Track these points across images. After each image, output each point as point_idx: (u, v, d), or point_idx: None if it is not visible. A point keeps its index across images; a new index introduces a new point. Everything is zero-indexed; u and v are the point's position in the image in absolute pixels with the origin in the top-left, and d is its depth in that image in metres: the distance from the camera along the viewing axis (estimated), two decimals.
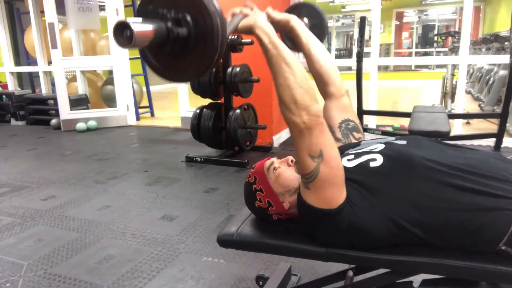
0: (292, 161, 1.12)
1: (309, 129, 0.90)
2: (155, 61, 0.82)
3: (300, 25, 1.21)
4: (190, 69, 0.80)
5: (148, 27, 0.73)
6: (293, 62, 0.93)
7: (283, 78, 0.92)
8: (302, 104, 0.90)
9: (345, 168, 0.99)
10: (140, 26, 0.71)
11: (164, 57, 0.80)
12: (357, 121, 1.28)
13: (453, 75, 5.09)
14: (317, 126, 0.90)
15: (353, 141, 1.23)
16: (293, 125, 0.91)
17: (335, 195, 0.93)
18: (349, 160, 1.06)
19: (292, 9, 1.41)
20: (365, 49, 3.11)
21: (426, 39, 13.62)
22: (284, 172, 1.09)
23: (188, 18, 0.76)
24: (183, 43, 0.76)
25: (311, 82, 0.95)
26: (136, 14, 0.80)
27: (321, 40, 1.31)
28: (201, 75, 0.80)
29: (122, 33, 0.69)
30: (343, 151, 1.13)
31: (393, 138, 1.12)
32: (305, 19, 1.36)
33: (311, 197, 0.95)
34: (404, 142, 1.07)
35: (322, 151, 0.90)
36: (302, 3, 1.47)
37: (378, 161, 1.00)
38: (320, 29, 1.36)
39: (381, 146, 1.06)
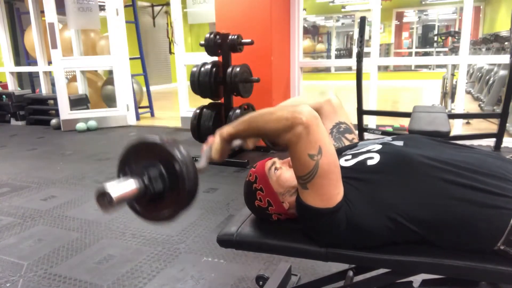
0: None
1: (306, 127, 0.90)
2: (138, 207, 0.88)
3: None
4: (168, 210, 0.86)
5: (126, 189, 0.79)
6: (257, 112, 0.98)
7: (263, 123, 0.95)
8: (289, 113, 0.90)
9: (342, 167, 1.00)
10: (118, 190, 0.77)
11: (145, 204, 0.87)
12: (348, 121, 1.29)
13: (453, 75, 5.09)
14: (313, 121, 0.90)
15: (346, 143, 1.24)
16: (294, 136, 0.90)
17: (333, 192, 0.94)
18: (346, 160, 1.07)
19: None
20: (365, 49, 3.11)
21: (426, 39, 13.61)
22: (285, 172, 1.10)
23: (162, 171, 0.83)
24: (160, 192, 0.83)
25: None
26: (117, 172, 0.88)
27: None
28: (180, 213, 0.86)
29: (103, 199, 0.75)
30: (340, 152, 1.14)
31: (390, 138, 1.12)
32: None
33: (310, 197, 0.95)
34: (401, 143, 1.07)
35: (321, 147, 0.91)
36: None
37: (375, 159, 1.01)
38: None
39: (378, 146, 1.07)
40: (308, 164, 0.92)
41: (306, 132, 0.90)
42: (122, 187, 0.78)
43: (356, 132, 1.29)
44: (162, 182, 0.83)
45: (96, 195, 0.76)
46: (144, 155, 0.85)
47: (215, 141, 1.01)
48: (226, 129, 1.00)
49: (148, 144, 0.86)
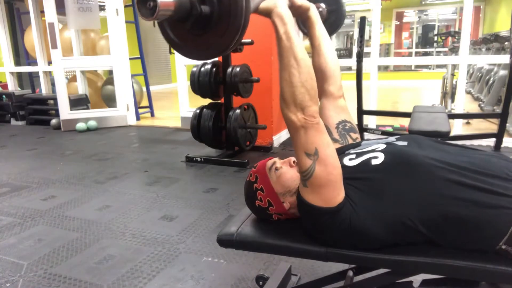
0: (294, 161, 1.12)
1: (304, 128, 0.92)
2: (173, 35, 0.80)
3: (317, 17, 1.22)
4: (210, 47, 0.78)
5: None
6: (302, 59, 0.93)
7: (289, 74, 0.93)
8: (301, 104, 0.91)
9: (346, 167, 1.00)
10: None
11: (183, 32, 0.78)
12: (353, 122, 1.29)
13: (453, 75, 5.09)
14: (312, 126, 0.92)
15: (350, 141, 1.24)
16: (290, 121, 0.93)
17: (333, 193, 0.94)
18: (350, 159, 1.06)
19: None
20: (365, 49, 3.11)
21: (426, 39, 13.61)
22: (285, 172, 1.10)
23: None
24: (205, 20, 0.75)
25: (315, 83, 0.95)
26: None
27: (338, 27, 1.30)
28: (222, 53, 0.78)
29: (145, 3, 0.67)
30: (343, 151, 1.13)
31: (394, 138, 1.12)
32: (322, 4, 1.34)
33: (310, 195, 0.96)
34: (405, 143, 1.07)
35: (317, 149, 0.92)
36: None
37: (379, 158, 1.01)
38: (337, 16, 1.35)
39: (382, 146, 1.06)
40: (305, 161, 0.93)
41: (303, 131, 0.92)
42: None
43: (365, 133, 1.30)
44: (210, 7, 0.74)
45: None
46: None
47: None
48: (286, 14, 0.96)
49: None
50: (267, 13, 0.97)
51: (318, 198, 0.94)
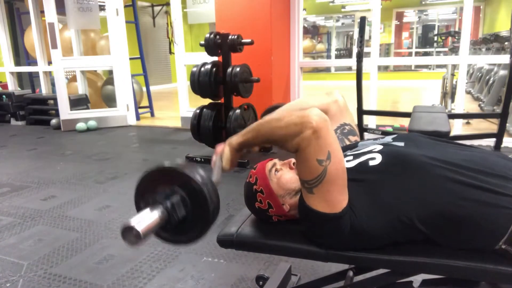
0: (294, 163, 1.11)
1: (316, 131, 0.87)
2: (164, 234, 0.88)
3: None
4: (194, 232, 0.86)
5: (151, 220, 0.78)
6: (265, 118, 0.97)
7: (271, 130, 0.94)
8: (298, 117, 0.89)
9: None
10: (143, 223, 0.76)
11: (170, 231, 0.87)
12: (353, 122, 1.28)
13: (453, 75, 5.09)
14: (324, 124, 0.88)
15: (348, 143, 1.23)
16: (303, 140, 0.89)
17: (339, 198, 0.93)
18: (348, 161, 1.06)
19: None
20: (365, 49, 3.11)
21: (426, 39, 13.60)
22: (285, 174, 1.09)
23: (184, 196, 0.82)
24: (183, 216, 0.83)
25: (295, 109, 0.97)
26: (135, 206, 0.87)
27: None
28: (206, 231, 0.87)
29: (130, 234, 0.74)
30: None
31: (390, 139, 1.12)
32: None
33: (316, 201, 0.93)
34: (402, 143, 1.06)
35: (330, 152, 0.89)
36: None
37: (377, 159, 1.00)
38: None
39: (379, 147, 1.06)
40: (316, 169, 0.90)
41: (316, 136, 0.88)
42: (146, 219, 0.77)
43: (364, 133, 1.28)
44: (184, 207, 0.82)
45: (121, 231, 0.75)
46: (160, 182, 0.84)
47: (224, 151, 1.00)
48: (235, 139, 1.00)
49: (163, 171, 0.85)
50: (233, 155, 1.01)
51: (325, 204, 0.92)
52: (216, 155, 1.02)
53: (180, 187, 0.83)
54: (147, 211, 0.79)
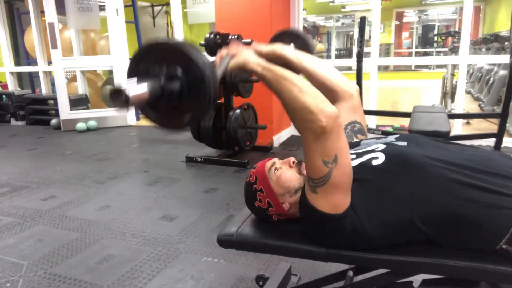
0: (293, 162, 1.11)
1: (327, 132, 0.87)
2: (154, 112, 0.86)
3: (287, 50, 1.20)
4: (187, 116, 0.84)
5: (143, 89, 0.76)
6: (291, 76, 0.94)
7: (288, 92, 0.92)
8: (316, 108, 0.88)
9: None
10: (135, 89, 0.75)
11: (161, 108, 0.84)
12: (364, 123, 1.27)
13: (453, 75, 5.09)
14: (335, 128, 0.88)
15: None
16: (310, 132, 0.89)
17: (342, 200, 0.93)
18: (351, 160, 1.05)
19: (275, 40, 1.44)
20: (365, 49, 3.11)
21: (426, 39, 13.61)
22: (285, 173, 1.09)
23: (179, 72, 0.80)
24: (177, 95, 0.81)
25: (315, 89, 0.95)
26: (128, 73, 0.84)
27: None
28: (198, 120, 0.85)
29: (119, 97, 0.73)
30: None
31: (393, 138, 1.12)
32: (291, 45, 1.37)
33: (319, 201, 0.94)
34: (404, 143, 1.06)
35: (337, 156, 0.89)
36: (281, 32, 1.48)
37: (380, 159, 1.00)
38: (305, 49, 1.36)
39: (382, 146, 1.06)
40: (321, 169, 0.90)
41: (325, 137, 0.88)
42: (138, 86, 0.76)
43: (369, 135, 1.28)
44: (179, 83, 0.79)
45: (110, 92, 0.73)
46: (159, 57, 0.81)
47: (244, 51, 1.01)
48: (256, 61, 1.00)
49: (165, 46, 0.82)
50: (241, 68, 1.01)
51: (327, 204, 0.93)
52: (227, 53, 1.02)
53: (181, 66, 0.80)
54: (141, 80, 0.78)
